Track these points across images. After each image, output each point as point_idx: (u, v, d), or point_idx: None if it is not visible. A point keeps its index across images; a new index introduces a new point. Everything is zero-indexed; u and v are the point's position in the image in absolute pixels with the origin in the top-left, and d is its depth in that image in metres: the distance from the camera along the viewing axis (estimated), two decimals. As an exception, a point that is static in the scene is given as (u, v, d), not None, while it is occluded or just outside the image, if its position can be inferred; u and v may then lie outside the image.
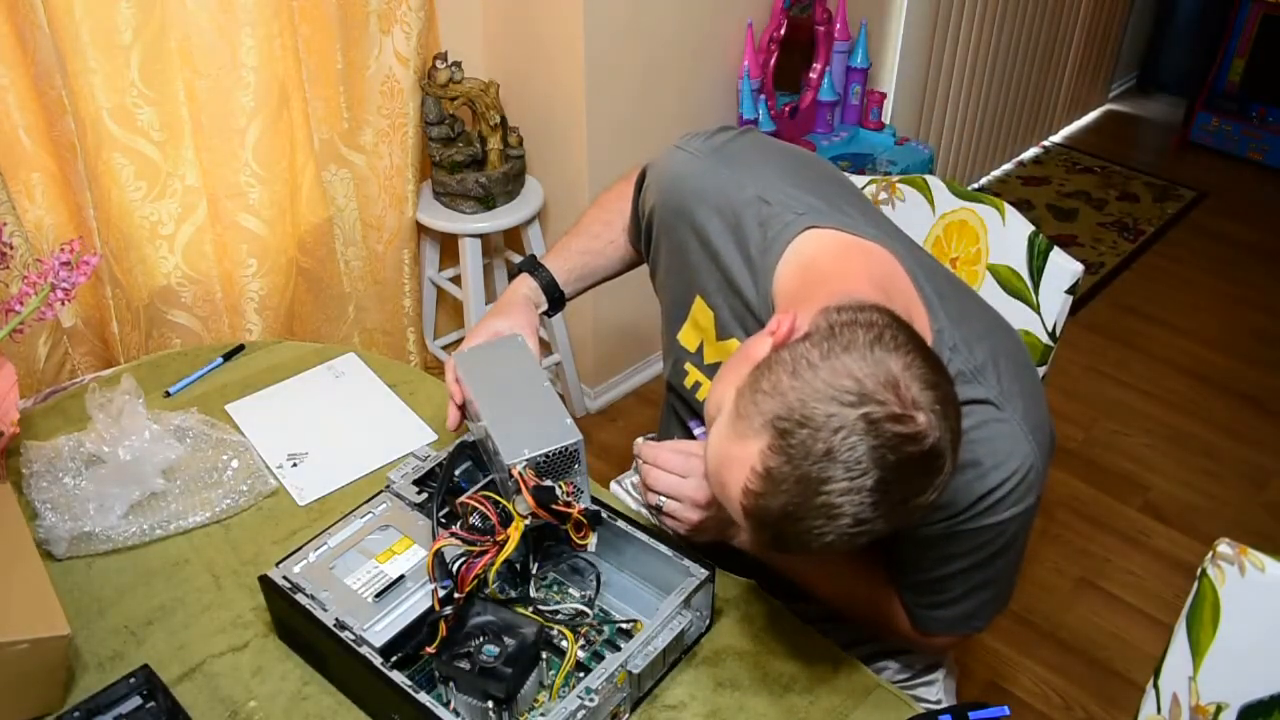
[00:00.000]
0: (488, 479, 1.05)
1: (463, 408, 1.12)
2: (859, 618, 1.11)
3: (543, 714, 0.89)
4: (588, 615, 1.00)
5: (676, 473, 0.98)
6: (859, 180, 1.46)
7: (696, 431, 1.18)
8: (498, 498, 0.96)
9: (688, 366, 1.15)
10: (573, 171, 2.17)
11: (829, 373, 0.75)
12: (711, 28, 2.22)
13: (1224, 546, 0.90)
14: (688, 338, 1.14)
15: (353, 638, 0.92)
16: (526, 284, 1.19)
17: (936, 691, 1.23)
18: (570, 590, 1.04)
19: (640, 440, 1.07)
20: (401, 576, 0.98)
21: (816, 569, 1.08)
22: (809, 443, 0.74)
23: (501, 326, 1.13)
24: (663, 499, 1.00)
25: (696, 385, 1.14)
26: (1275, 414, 2.55)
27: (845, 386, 0.75)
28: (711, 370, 1.12)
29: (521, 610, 0.94)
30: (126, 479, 1.13)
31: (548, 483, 0.95)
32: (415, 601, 0.96)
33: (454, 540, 0.93)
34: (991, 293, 1.31)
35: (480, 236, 2.11)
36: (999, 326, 1.02)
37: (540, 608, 0.99)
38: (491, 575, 0.94)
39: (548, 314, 1.21)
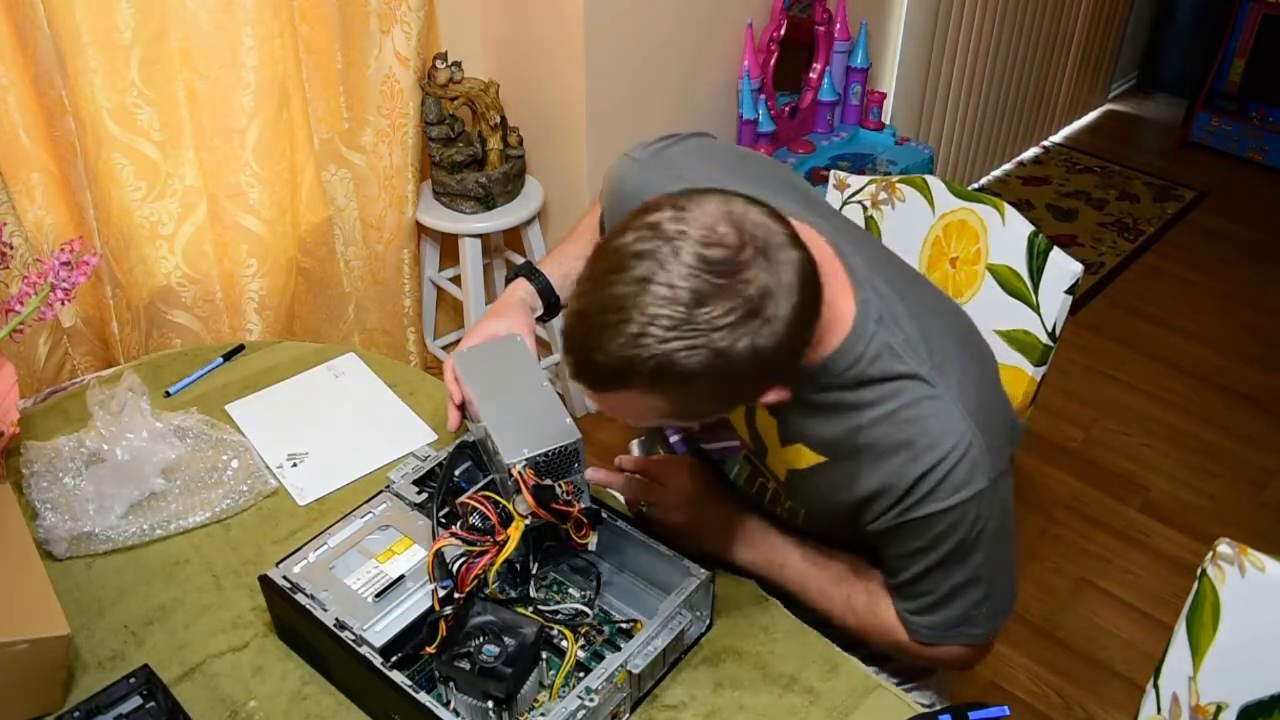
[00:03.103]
0: (488, 479, 1.05)
1: (462, 407, 1.12)
2: (862, 632, 1.07)
3: (543, 714, 0.89)
4: (588, 615, 1.00)
5: (655, 479, 1.00)
6: (859, 180, 1.46)
7: (674, 439, 1.19)
8: (498, 498, 0.96)
9: None
10: (573, 171, 2.17)
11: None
12: (711, 28, 2.22)
13: (1224, 546, 0.90)
14: None
15: (353, 638, 0.92)
16: (523, 288, 1.19)
17: (930, 698, 1.22)
18: (570, 590, 1.04)
19: (621, 458, 1.09)
20: (401, 576, 0.98)
21: (817, 578, 1.06)
22: (611, 256, 0.79)
23: (498, 328, 1.13)
24: (643, 505, 1.01)
25: None
26: (1275, 414, 2.55)
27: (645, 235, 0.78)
28: None
29: (521, 610, 0.94)
30: (126, 479, 1.13)
31: (548, 482, 0.95)
32: (415, 601, 0.96)
33: (454, 540, 0.94)
34: (991, 293, 1.31)
35: (480, 236, 2.11)
36: (948, 310, 1.01)
37: (540, 608, 0.99)
38: (491, 575, 0.94)
39: (543, 319, 1.21)
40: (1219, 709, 0.92)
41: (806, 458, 0.99)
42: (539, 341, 1.19)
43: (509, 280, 1.22)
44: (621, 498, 1.11)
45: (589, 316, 0.79)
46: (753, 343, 0.77)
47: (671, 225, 0.78)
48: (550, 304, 1.20)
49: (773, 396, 0.86)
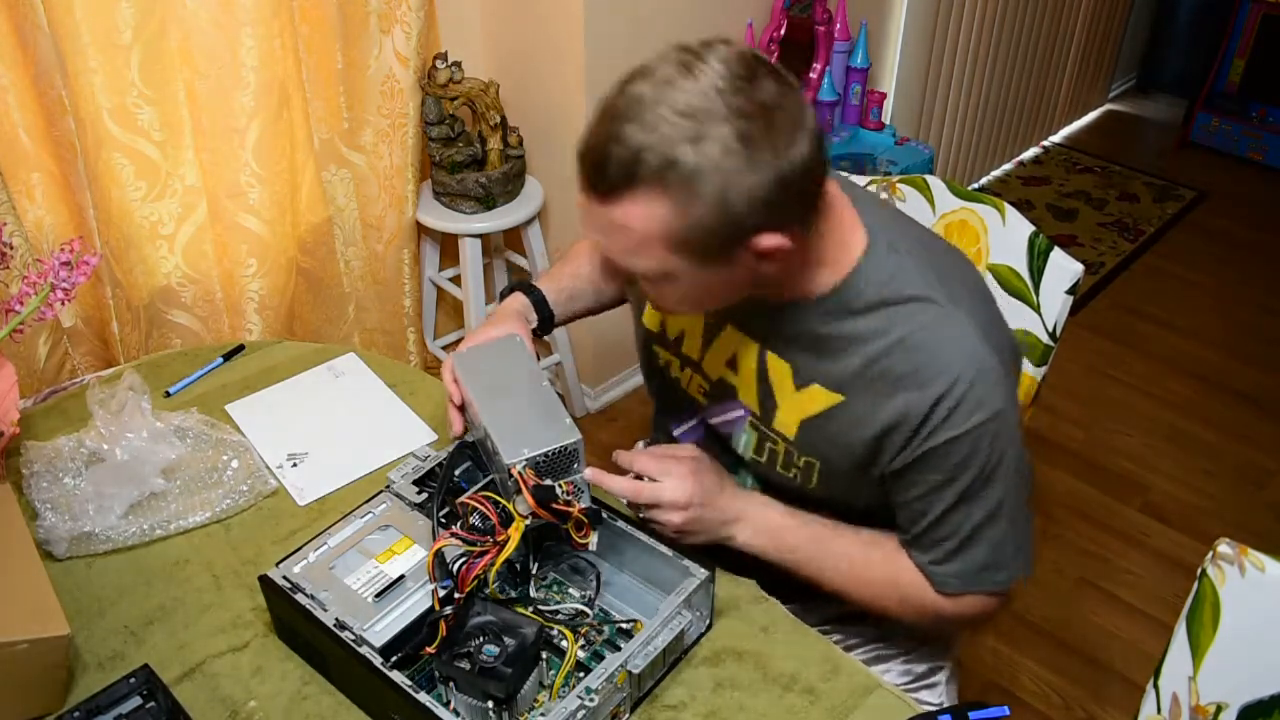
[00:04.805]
0: (488, 479, 1.05)
1: (462, 408, 1.12)
2: (882, 603, 1.06)
3: (543, 714, 0.89)
4: (588, 615, 1.00)
5: (653, 477, 0.99)
6: (859, 180, 1.46)
7: (677, 432, 1.19)
8: (498, 498, 0.96)
9: (655, 349, 1.16)
10: (572, 171, 2.14)
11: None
12: (711, 28, 2.22)
13: (1224, 546, 0.90)
14: (651, 318, 1.15)
15: (353, 638, 0.92)
16: (518, 300, 1.21)
17: (938, 694, 1.22)
18: (570, 590, 1.04)
19: (618, 452, 1.08)
20: (401, 576, 0.98)
21: (828, 559, 1.05)
22: (638, 68, 0.86)
23: (497, 334, 1.14)
24: (642, 506, 1.01)
25: (668, 364, 1.15)
26: (1275, 414, 2.55)
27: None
28: (676, 346, 1.13)
29: (521, 610, 0.94)
30: (126, 479, 1.13)
31: (548, 482, 0.95)
32: (415, 601, 0.96)
33: (454, 540, 0.94)
34: (992, 292, 1.31)
35: (480, 236, 2.11)
36: (957, 252, 1.04)
37: (540, 608, 0.99)
38: (492, 575, 0.94)
39: (538, 333, 1.21)
40: (1219, 709, 0.92)
41: (822, 399, 0.99)
42: (537, 340, 1.19)
43: (503, 296, 1.23)
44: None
45: (610, 112, 0.84)
46: (762, 155, 0.81)
47: (698, 47, 0.84)
48: (545, 318, 1.21)
49: (771, 241, 0.86)
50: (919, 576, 1.02)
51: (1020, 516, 1.00)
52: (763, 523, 1.05)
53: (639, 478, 1.02)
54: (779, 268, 0.90)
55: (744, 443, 1.09)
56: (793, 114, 0.84)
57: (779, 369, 1.02)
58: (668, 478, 1.00)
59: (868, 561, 1.05)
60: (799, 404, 1.01)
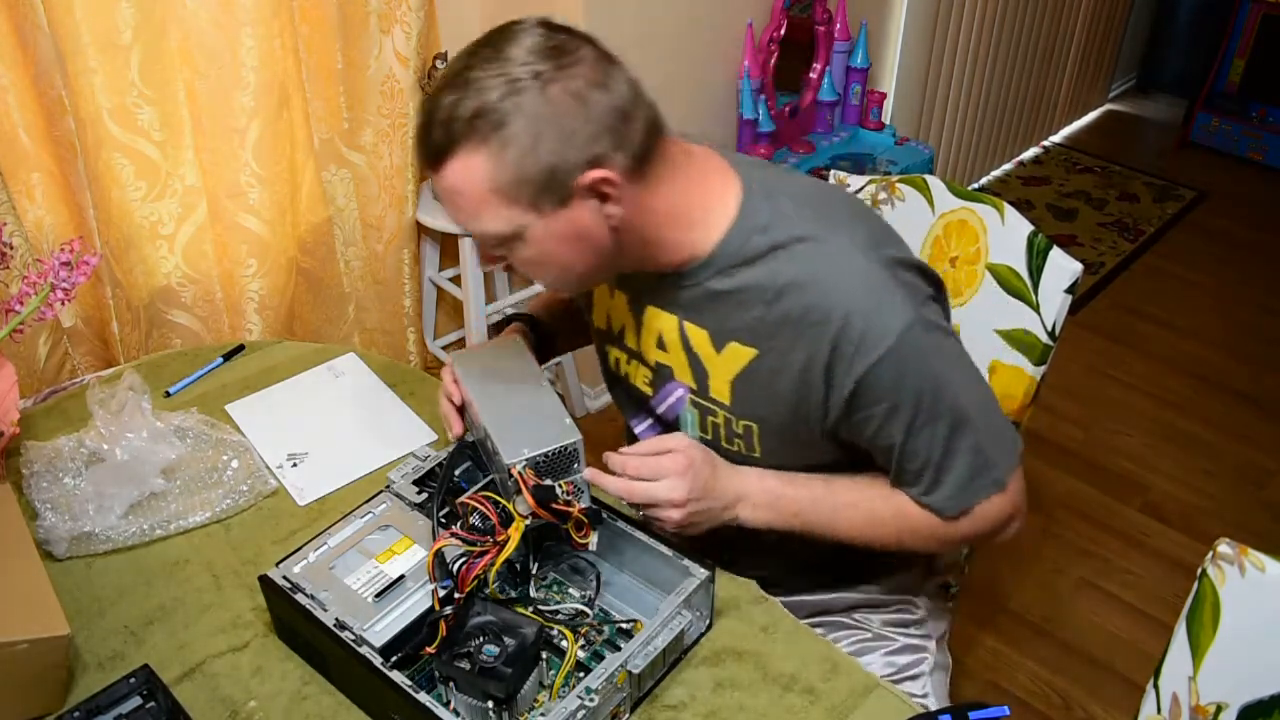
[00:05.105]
0: (488, 479, 1.05)
1: (462, 408, 1.12)
2: (896, 540, 1.06)
3: (543, 714, 0.89)
4: (588, 615, 1.00)
5: (646, 478, 0.99)
6: (858, 180, 1.46)
7: (638, 430, 1.19)
8: (498, 498, 0.96)
9: (608, 349, 1.18)
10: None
11: None
12: (711, 28, 2.22)
13: (1224, 546, 0.90)
14: (598, 315, 1.17)
15: (353, 638, 0.92)
16: (516, 328, 1.24)
17: (922, 685, 1.21)
18: (570, 590, 1.04)
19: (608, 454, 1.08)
20: (401, 576, 0.98)
21: (837, 512, 1.05)
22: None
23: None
24: (639, 512, 1.01)
25: (618, 361, 1.17)
26: (1275, 414, 2.55)
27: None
28: (620, 340, 1.14)
29: (521, 610, 0.94)
30: (126, 479, 1.13)
31: (548, 482, 0.95)
32: (415, 601, 0.96)
33: (454, 540, 0.94)
34: (991, 292, 1.31)
35: (480, 236, 2.10)
36: (832, 188, 1.07)
37: (540, 608, 0.99)
38: (492, 575, 0.94)
39: (542, 352, 1.25)
40: (1219, 709, 0.92)
41: (742, 356, 1.01)
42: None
43: (499, 328, 1.27)
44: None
45: (433, 94, 0.91)
46: (570, 92, 0.87)
47: (509, 24, 0.93)
48: (544, 336, 1.25)
49: (596, 174, 0.89)
50: (922, 510, 1.02)
51: (986, 412, 1.00)
52: (762, 496, 1.04)
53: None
54: (633, 214, 0.94)
55: (689, 422, 1.11)
56: (600, 59, 0.91)
57: (697, 335, 1.04)
58: (663, 476, 0.99)
59: (872, 504, 1.05)
60: (724, 366, 1.03)
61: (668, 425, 1.15)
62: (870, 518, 1.05)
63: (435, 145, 0.90)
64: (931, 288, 1.01)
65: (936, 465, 0.99)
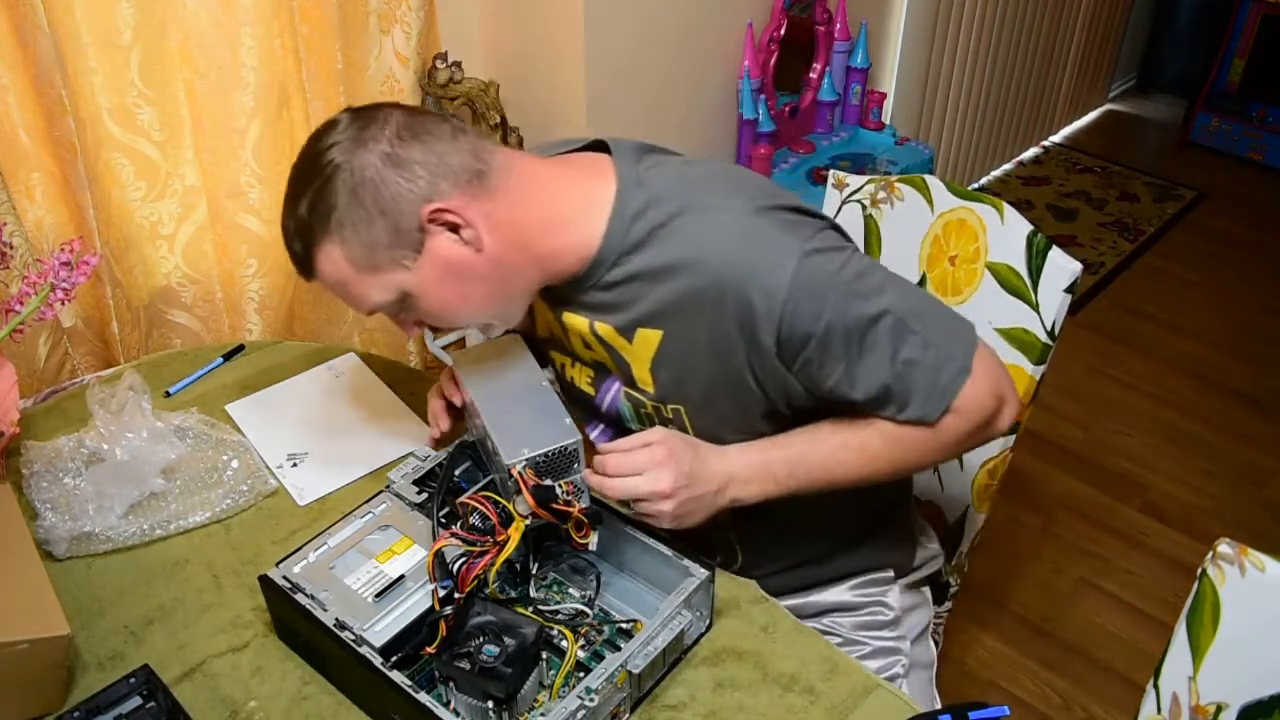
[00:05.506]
0: (488, 479, 1.05)
1: (461, 409, 1.13)
2: (895, 466, 1.04)
3: (543, 714, 0.89)
4: (588, 615, 1.00)
5: (629, 475, 0.98)
6: (858, 180, 1.46)
7: (593, 435, 1.19)
8: (498, 498, 0.96)
9: (554, 355, 1.19)
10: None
11: None
12: (711, 28, 2.22)
13: (1224, 546, 0.90)
14: (540, 324, 1.17)
15: (353, 638, 0.92)
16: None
17: (899, 688, 1.19)
18: (570, 590, 1.04)
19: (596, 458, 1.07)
20: (401, 576, 0.98)
21: (829, 458, 1.03)
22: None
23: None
24: (630, 507, 1.00)
25: (563, 366, 1.17)
26: (1275, 414, 2.55)
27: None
28: (561, 345, 1.15)
29: (521, 610, 0.94)
30: (126, 479, 1.13)
31: (548, 482, 0.95)
32: (415, 601, 0.96)
33: (454, 540, 0.94)
34: (991, 291, 1.31)
35: (480, 236, 2.10)
36: (705, 161, 1.08)
37: (540, 608, 0.99)
38: (492, 575, 0.94)
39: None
40: (1219, 709, 0.92)
41: (651, 340, 1.03)
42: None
43: None
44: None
45: (282, 218, 0.98)
46: (367, 153, 0.93)
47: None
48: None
49: (428, 209, 0.94)
50: (907, 427, 1.01)
51: (924, 307, 0.99)
52: (748, 470, 1.02)
53: None
54: (496, 231, 0.97)
55: (627, 415, 1.12)
56: (409, 114, 0.96)
57: (607, 331, 1.05)
58: (647, 470, 0.97)
59: (860, 438, 1.02)
60: (639, 354, 1.04)
61: (613, 424, 1.16)
62: (863, 452, 1.03)
63: (298, 257, 0.98)
64: (820, 220, 1.00)
65: (896, 387, 0.97)
